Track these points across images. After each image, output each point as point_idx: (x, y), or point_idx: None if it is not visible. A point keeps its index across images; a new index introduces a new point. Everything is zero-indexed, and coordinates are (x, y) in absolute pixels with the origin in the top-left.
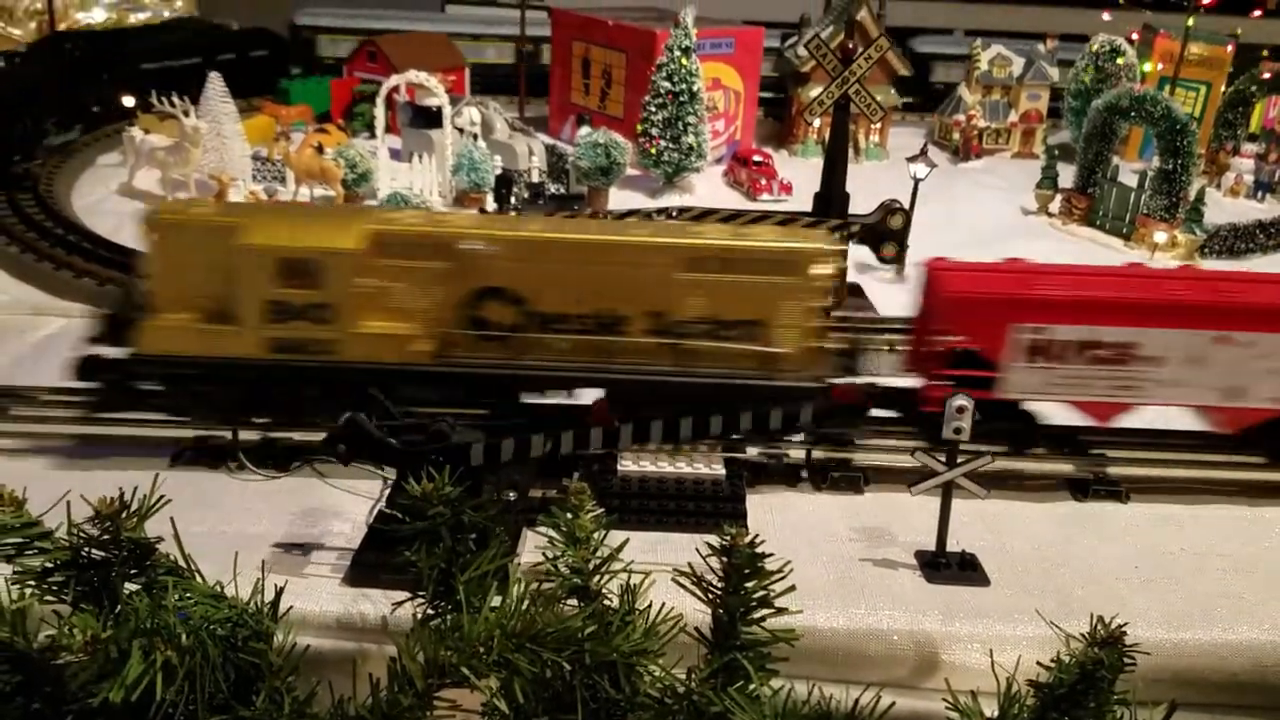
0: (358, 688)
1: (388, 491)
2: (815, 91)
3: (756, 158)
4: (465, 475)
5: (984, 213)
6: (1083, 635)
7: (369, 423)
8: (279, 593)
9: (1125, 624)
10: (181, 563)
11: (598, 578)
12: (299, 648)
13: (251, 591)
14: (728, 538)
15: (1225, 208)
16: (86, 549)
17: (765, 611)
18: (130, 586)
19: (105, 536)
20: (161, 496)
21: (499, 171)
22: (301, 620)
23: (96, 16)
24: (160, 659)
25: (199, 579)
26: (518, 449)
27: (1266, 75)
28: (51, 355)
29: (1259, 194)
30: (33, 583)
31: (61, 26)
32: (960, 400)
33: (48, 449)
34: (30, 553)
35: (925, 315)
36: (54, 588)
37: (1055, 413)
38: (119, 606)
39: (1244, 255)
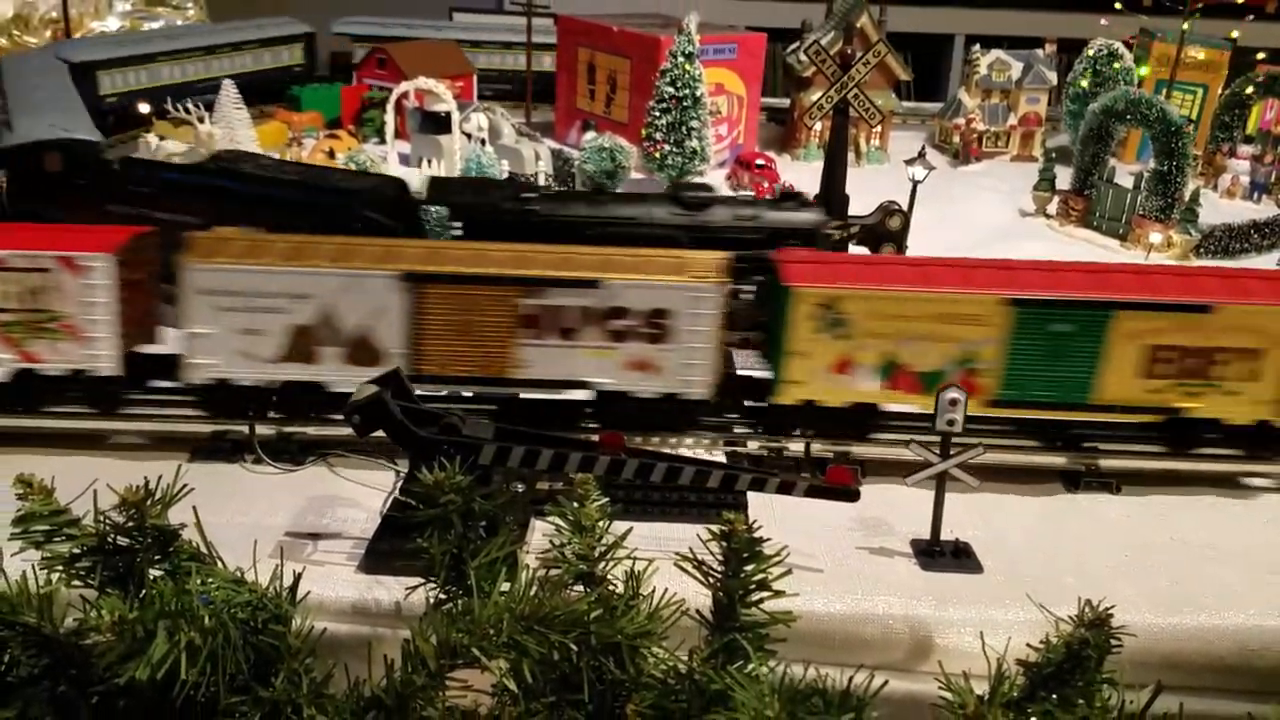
0: (373, 670)
1: (400, 482)
2: (815, 96)
3: (759, 161)
4: (476, 465)
5: (982, 214)
6: (1070, 618)
7: (393, 403)
8: (297, 578)
9: (1112, 607)
10: (203, 549)
11: (603, 564)
12: (316, 631)
13: (270, 578)
14: (727, 524)
15: (1222, 209)
16: (112, 535)
17: (763, 594)
18: (154, 572)
19: (130, 524)
20: (184, 486)
21: (505, 175)
22: (319, 605)
23: (111, 25)
24: (184, 640)
25: (220, 565)
26: (526, 459)
27: (1261, 78)
28: None
29: (1255, 195)
30: (61, 568)
31: (77, 35)
32: (953, 393)
33: (75, 443)
34: (59, 539)
35: None
36: (81, 573)
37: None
38: (144, 591)
39: (1239, 255)
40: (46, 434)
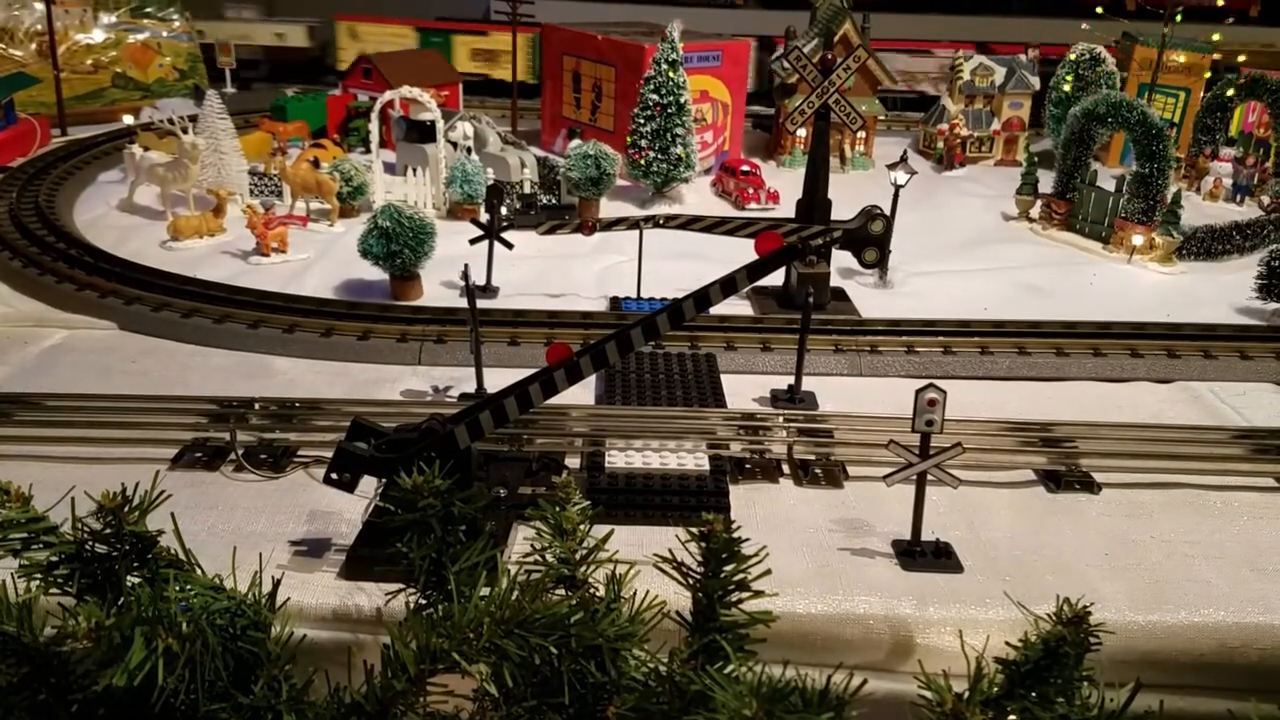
0: (353, 676)
1: (380, 489)
2: (798, 102)
3: (744, 168)
4: (456, 468)
5: (966, 219)
6: (1049, 616)
7: (355, 447)
8: (276, 584)
9: (1091, 605)
10: (182, 556)
11: (584, 567)
12: (296, 638)
13: (249, 584)
14: (706, 524)
15: (1205, 211)
16: (90, 543)
17: (743, 595)
18: (132, 579)
19: (108, 530)
20: (162, 492)
21: (490, 183)
22: (299, 612)
23: (96, 37)
24: (162, 646)
25: (199, 572)
26: (496, 417)
27: (1242, 80)
28: (54, 364)
29: (1237, 197)
30: (39, 576)
31: (61, 49)
32: (932, 393)
33: (52, 452)
34: (36, 547)
35: None
36: (59, 580)
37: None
38: (122, 598)
39: (1221, 256)
40: (23, 439)
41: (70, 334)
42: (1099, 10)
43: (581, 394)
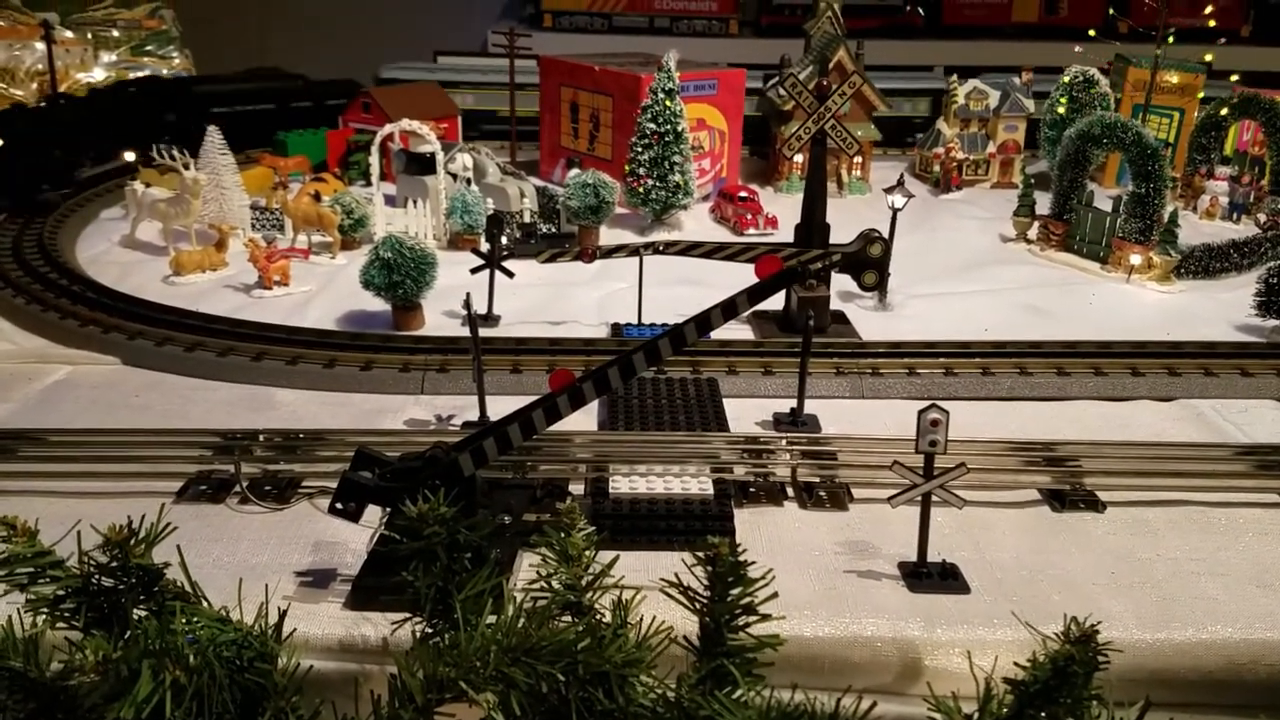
0: (360, 707)
1: (385, 518)
2: (794, 128)
3: (742, 194)
4: (460, 496)
5: (964, 241)
6: (1057, 635)
7: (359, 476)
8: (282, 616)
9: (1098, 623)
10: (188, 588)
11: (590, 593)
12: (302, 669)
13: (255, 616)
14: (711, 548)
15: (1201, 229)
16: (96, 576)
17: (750, 619)
18: (139, 612)
19: (114, 564)
20: (168, 525)
21: (490, 213)
22: (305, 643)
23: (97, 76)
24: (169, 679)
25: (205, 604)
26: (500, 444)
27: (1235, 99)
28: (58, 400)
29: (1234, 215)
30: (45, 610)
31: (62, 87)
32: (935, 414)
33: (57, 487)
34: (43, 581)
35: None
36: (65, 614)
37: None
38: (128, 631)
39: (1219, 275)
40: (28, 475)
41: (74, 370)
42: (1091, 33)
43: (584, 420)
